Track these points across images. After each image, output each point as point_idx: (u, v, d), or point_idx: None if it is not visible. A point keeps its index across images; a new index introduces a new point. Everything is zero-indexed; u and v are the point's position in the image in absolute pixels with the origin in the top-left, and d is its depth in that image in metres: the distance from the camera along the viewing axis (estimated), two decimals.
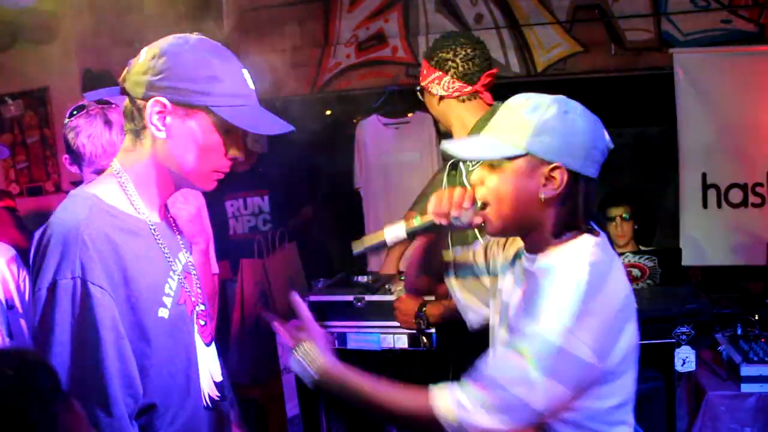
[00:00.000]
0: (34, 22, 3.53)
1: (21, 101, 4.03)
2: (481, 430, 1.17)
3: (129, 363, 1.15)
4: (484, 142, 1.34)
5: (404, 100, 4.13)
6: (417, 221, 1.44)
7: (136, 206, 1.26)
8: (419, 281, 1.68)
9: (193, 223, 1.88)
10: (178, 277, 1.31)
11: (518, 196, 1.29)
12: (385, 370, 2.80)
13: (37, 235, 1.20)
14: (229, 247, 3.48)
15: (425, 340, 2.54)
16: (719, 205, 3.44)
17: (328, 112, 4.38)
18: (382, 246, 1.46)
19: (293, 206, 3.99)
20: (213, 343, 1.43)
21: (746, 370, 2.42)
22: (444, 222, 1.39)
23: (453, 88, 2.00)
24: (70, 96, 3.49)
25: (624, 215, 3.27)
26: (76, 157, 1.91)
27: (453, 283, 1.62)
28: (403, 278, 2.60)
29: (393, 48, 3.90)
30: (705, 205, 3.47)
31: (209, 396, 1.35)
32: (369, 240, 1.47)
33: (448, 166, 2.07)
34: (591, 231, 1.32)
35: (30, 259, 1.21)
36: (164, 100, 1.20)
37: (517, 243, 1.44)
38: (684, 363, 2.43)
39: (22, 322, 2.19)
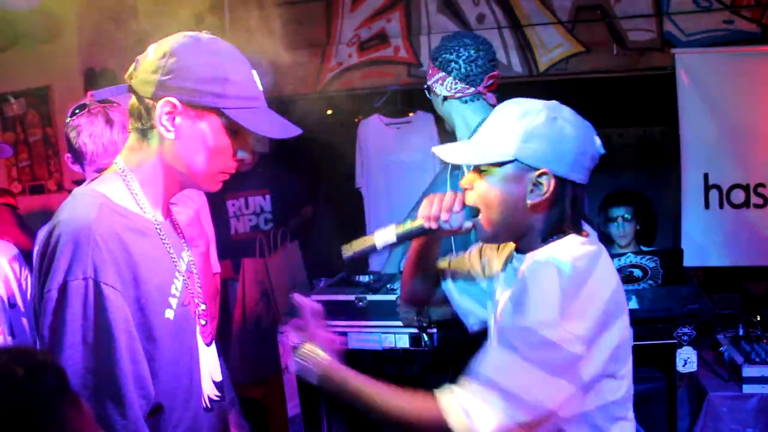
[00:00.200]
0: (37, 21, 3.53)
1: (23, 100, 4.04)
2: None
3: (141, 364, 1.14)
4: (474, 147, 1.36)
5: (406, 100, 4.13)
6: (407, 225, 1.44)
7: (142, 206, 1.24)
8: (414, 289, 1.67)
9: (192, 226, 1.88)
10: (182, 277, 1.30)
11: (506, 202, 1.30)
12: (387, 370, 2.81)
13: (42, 234, 1.19)
14: (230, 247, 3.48)
15: (427, 339, 2.55)
16: (721, 206, 3.44)
17: (330, 112, 4.38)
18: (371, 250, 1.45)
19: (295, 205, 3.99)
20: (213, 343, 1.42)
21: (748, 371, 2.42)
22: (434, 226, 1.40)
23: (455, 88, 2.01)
24: (72, 94, 3.50)
25: (626, 215, 3.28)
26: (78, 156, 1.91)
27: (450, 288, 1.63)
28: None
29: (395, 48, 3.90)
30: (707, 206, 3.46)
31: (208, 397, 1.35)
32: (358, 244, 1.46)
33: (450, 166, 2.07)
34: (579, 232, 1.33)
35: (35, 259, 1.21)
36: (174, 100, 1.18)
37: (511, 244, 1.45)
38: (685, 363, 2.43)
39: (24, 321, 2.20)
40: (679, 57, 3.42)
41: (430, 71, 2.07)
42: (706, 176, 3.47)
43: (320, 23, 3.97)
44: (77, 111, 1.90)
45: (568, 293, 1.19)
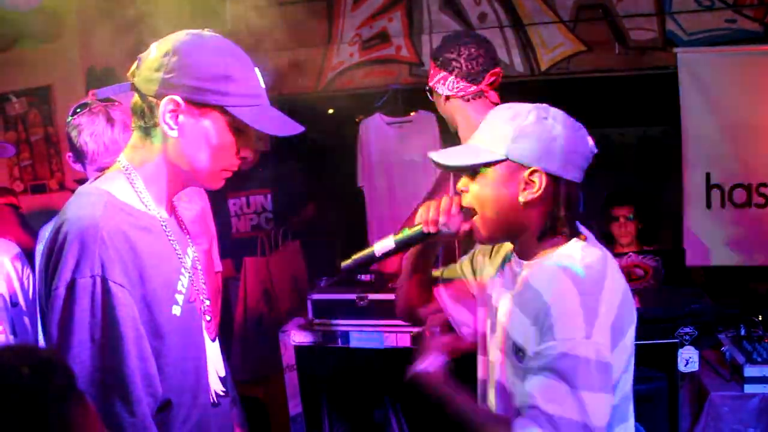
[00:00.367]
0: (37, 21, 3.53)
1: (25, 99, 4.04)
2: None
3: (149, 361, 1.15)
4: (467, 149, 1.38)
5: (407, 99, 4.12)
6: (405, 231, 1.45)
7: (146, 203, 1.25)
8: (410, 298, 1.66)
9: (197, 223, 1.89)
10: (188, 273, 1.30)
11: (499, 201, 1.32)
12: (388, 369, 2.80)
13: (46, 232, 1.19)
14: (232, 246, 3.48)
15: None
16: (723, 205, 3.44)
17: (331, 111, 4.38)
18: (371, 259, 1.46)
19: (296, 204, 3.99)
20: (217, 339, 1.43)
21: (750, 371, 2.41)
22: (433, 230, 1.41)
23: (458, 87, 2.01)
24: (73, 94, 3.51)
25: (628, 215, 3.27)
26: (79, 155, 1.91)
27: (445, 299, 1.63)
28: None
29: (396, 47, 3.90)
30: (708, 205, 3.46)
31: (215, 392, 1.35)
32: (358, 256, 1.47)
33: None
34: (576, 234, 1.34)
35: (40, 257, 1.20)
36: (178, 98, 1.18)
37: (504, 249, 1.47)
38: (687, 363, 2.43)
39: (26, 320, 2.20)
40: (681, 56, 3.42)
41: (432, 72, 2.07)
42: (708, 176, 3.47)
43: (322, 22, 3.97)
44: (78, 110, 1.91)
45: (589, 304, 1.20)
